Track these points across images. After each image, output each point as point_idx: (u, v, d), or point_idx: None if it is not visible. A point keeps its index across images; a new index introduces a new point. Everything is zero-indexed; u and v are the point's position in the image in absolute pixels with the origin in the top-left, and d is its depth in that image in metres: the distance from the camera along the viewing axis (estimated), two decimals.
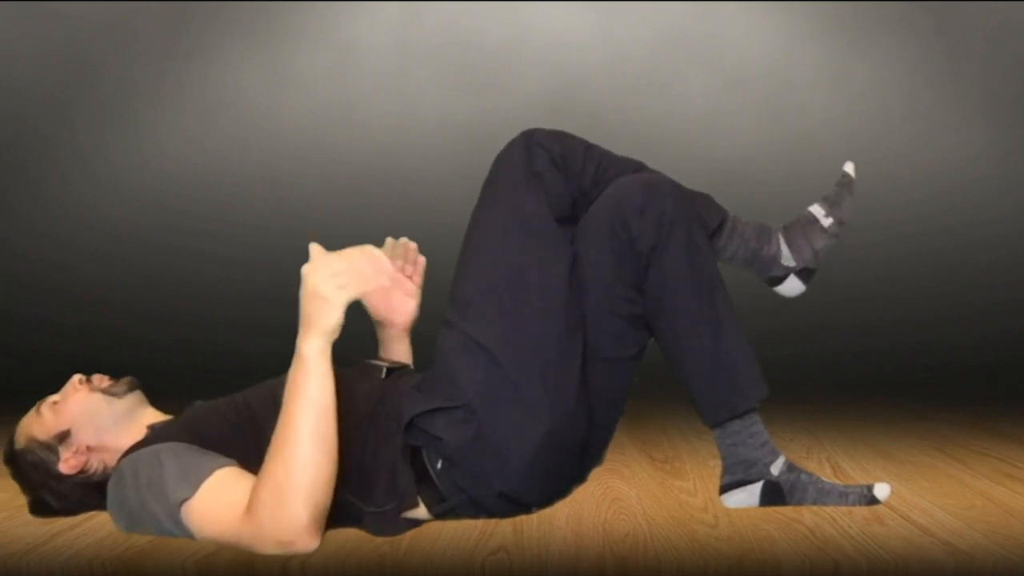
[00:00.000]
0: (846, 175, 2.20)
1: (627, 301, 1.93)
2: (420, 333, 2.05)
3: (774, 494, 2.00)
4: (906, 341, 5.05)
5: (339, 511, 1.80)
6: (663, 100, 5.92)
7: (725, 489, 2.03)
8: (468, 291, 1.92)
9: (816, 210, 2.14)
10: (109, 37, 5.88)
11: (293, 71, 6.04)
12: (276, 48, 6.03)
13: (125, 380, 2.01)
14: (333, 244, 1.89)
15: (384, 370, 1.99)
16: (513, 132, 2.06)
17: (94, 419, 1.96)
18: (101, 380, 2.01)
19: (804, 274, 2.11)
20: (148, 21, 5.91)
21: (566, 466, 1.95)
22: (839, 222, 2.13)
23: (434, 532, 1.86)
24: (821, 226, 2.12)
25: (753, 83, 5.94)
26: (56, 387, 2.01)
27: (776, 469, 2.01)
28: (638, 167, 2.07)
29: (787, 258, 2.10)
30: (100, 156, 5.90)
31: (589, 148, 2.04)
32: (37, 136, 5.83)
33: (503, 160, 2.01)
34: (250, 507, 1.70)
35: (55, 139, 5.84)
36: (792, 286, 2.12)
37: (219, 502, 1.74)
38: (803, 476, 2.02)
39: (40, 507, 1.99)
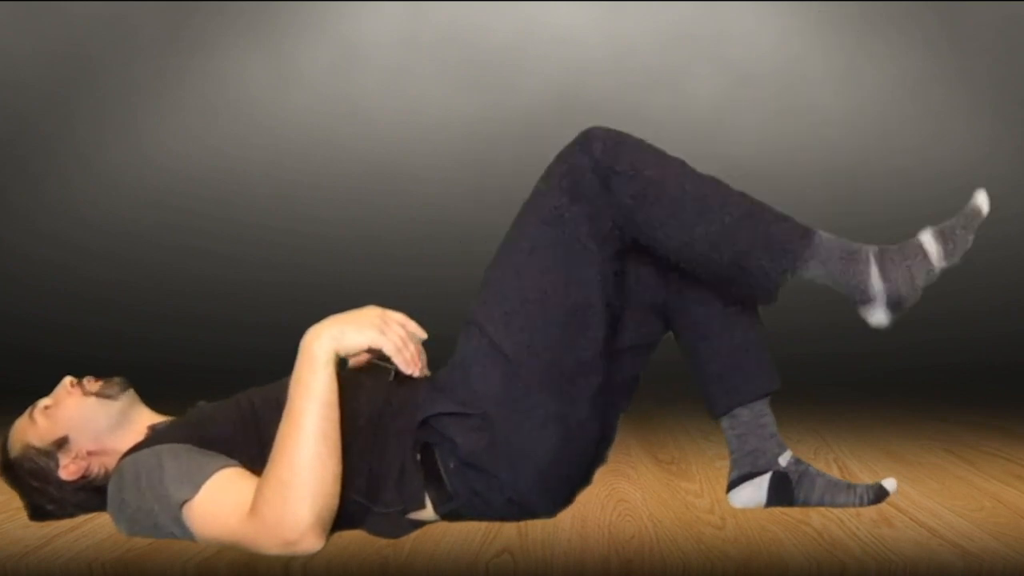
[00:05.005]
0: (976, 209, 1.92)
1: (649, 289, 1.95)
2: (433, 335, 2.02)
3: (782, 486, 1.99)
4: (914, 341, 5.03)
5: (344, 512, 1.79)
6: (670, 97, 5.91)
7: (733, 484, 2.03)
8: (498, 293, 1.90)
9: (930, 243, 1.89)
10: (109, 33, 5.87)
11: (296, 68, 6.03)
12: (278, 44, 6.02)
13: (116, 381, 1.99)
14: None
15: (392, 373, 1.97)
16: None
17: (91, 423, 1.94)
18: (92, 383, 1.98)
19: (894, 306, 1.89)
20: (149, 17, 5.90)
21: (576, 475, 1.95)
22: (950, 264, 1.89)
23: (437, 534, 1.84)
24: (931, 264, 1.88)
25: (761, 80, 5.92)
26: (55, 388, 1.99)
27: (784, 460, 2.01)
28: (685, 193, 1.90)
29: (876, 288, 1.87)
30: (100, 154, 5.90)
31: (636, 166, 1.89)
32: (37, 133, 5.83)
33: (558, 160, 1.94)
34: (254, 506, 1.69)
35: (55, 136, 5.84)
36: (878, 316, 1.90)
37: (221, 502, 1.73)
38: (811, 469, 2.02)
39: (39, 512, 1.97)
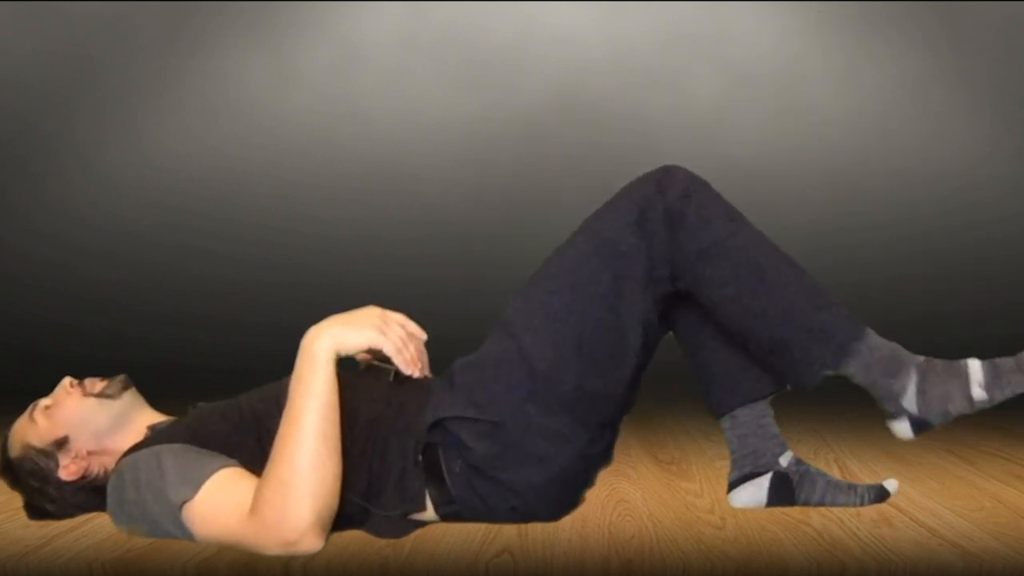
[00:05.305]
0: None
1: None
2: (433, 335, 2.02)
3: (783, 486, 1.99)
4: (914, 341, 5.03)
5: (345, 513, 1.79)
6: (670, 97, 5.90)
7: (734, 485, 2.03)
8: (541, 305, 1.87)
9: (976, 373, 1.85)
10: (109, 33, 5.87)
11: (296, 68, 6.02)
12: (278, 44, 6.02)
13: (118, 380, 1.99)
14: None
15: (392, 373, 1.96)
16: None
17: (91, 424, 1.94)
18: (93, 384, 1.98)
19: (919, 426, 1.88)
20: (149, 17, 5.90)
21: (582, 487, 1.96)
22: (990, 402, 1.86)
23: (438, 534, 1.84)
24: (969, 394, 1.85)
25: (761, 80, 5.92)
26: (55, 388, 1.99)
27: (785, 460, 2.02)
28: (744, 269, 1.88)
29: (910, 402, 1.86)
30: (100, 153, 5.89)
31: (706, 220, 1.85)
32: (37, 133, 5.83)
33: (631, 189, 1.90)
34: (254, 506, 1.69)
35: (55, 136, 5.83)
36: (903, 431, 1.89)
37: (221, 502, 1.73)
38: (812, 469, 2.02)
39: (38, 512, 1.97)
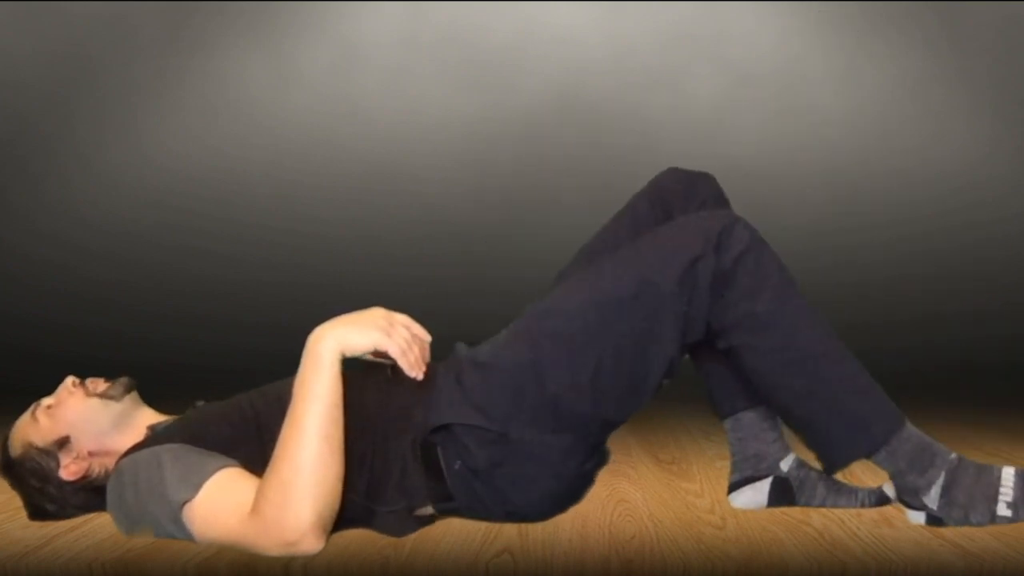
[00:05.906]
0: None
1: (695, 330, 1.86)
2: (432, 335, 2.01)
3: (783, 491, 1.99)
4: (914, 341, 5.04)
5: (349, 513, 1.79)
6: (670, 97, 5.91)
7: (734, 487, 2.02)
8: (566, 322, 1.84)
9: (1007, 486, 1.80)
10: (109, 33, 5.88)
11: (296, 68, 6.03)
12: (279, 44, 6.03)
13: (122, 382, 1.99)
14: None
15: (389, 369, 1.96)
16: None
17: (93, 424, 1.94)
18: (96, 383, 1.98)
19: (935, 521, 1.82)
20: (149, 17, 5.90)
21: (579, 494, 1.95)
22: (1014, 521, 1.78)
23: (438, 534, 1.84)
24: (995, 509, 1.79)
25: (761, 80, 5.93)
26: (55, 388, 1.99)
27: (786, 465, 2.01)
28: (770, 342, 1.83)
29: (932, 500, 1.81)
30: (100, 153, 5.90)
31: (756, 288, 1.80)
32: (37, 133, 5.83)
33: (694, 228, 1.82)
34: (255, 506, 1.69)
35: (55, 136, 5.84)
36: (916, 520, 1.85)
37: (222, 503, 1.72)
38: (813, 473, 2.01)
39: (39, 512, 1.97)
